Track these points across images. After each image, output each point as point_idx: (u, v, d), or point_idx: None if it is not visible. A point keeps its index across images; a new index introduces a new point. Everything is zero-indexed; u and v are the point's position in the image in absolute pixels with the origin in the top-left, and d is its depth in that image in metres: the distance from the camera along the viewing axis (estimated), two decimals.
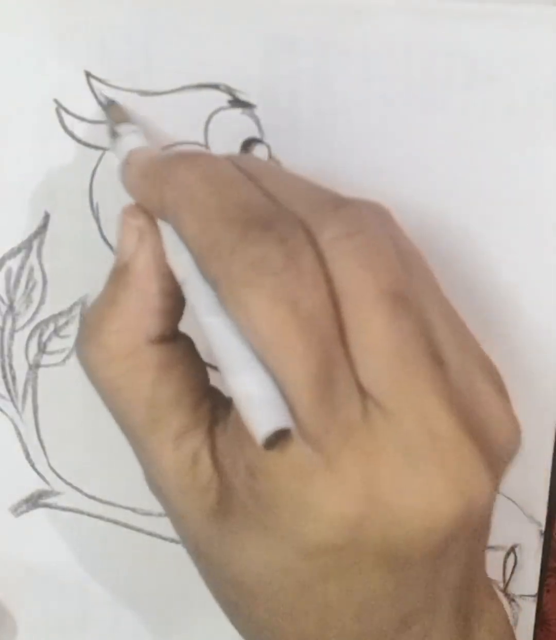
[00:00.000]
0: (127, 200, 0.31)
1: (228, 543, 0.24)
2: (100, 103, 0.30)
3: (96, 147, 0.31)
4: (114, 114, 0.30)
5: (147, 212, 0.26)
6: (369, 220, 0.23)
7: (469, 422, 0.22)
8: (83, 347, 0.25)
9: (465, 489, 0.22)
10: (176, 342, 0.26)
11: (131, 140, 0.29)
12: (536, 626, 0.37)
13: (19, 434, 0.33)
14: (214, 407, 0.25)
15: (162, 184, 0.25)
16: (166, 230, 0.25)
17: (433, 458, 0.22)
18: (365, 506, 0.22)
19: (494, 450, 0.23)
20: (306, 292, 0.22)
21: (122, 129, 0.29)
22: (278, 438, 0.21)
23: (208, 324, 0.23)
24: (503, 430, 0.23)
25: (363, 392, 0.22)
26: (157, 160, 0.26)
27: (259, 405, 0.22)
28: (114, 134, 0.29)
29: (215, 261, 0.23)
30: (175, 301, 0.25)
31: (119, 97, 0.31)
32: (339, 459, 0.21)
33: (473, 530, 0.23)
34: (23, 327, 0.32)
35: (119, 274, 0.25)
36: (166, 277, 0.25)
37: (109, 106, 0.30)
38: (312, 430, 0.21)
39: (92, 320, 0.25)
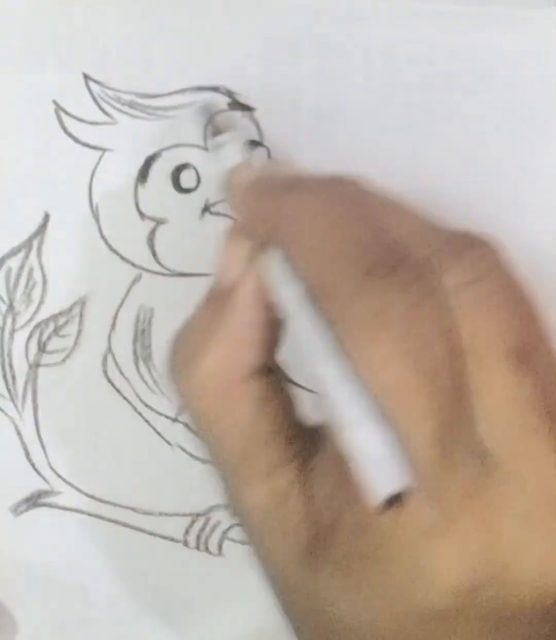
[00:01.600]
0: (127, 201, 0.31)
1: (319, 589, 0.23)
2: (201, 113, 0.30)
3: (96, 148, 0.31)
4: (216, 123, 0.29)
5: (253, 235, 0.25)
6: (496, 264, 0.22)
7: None
8: (176, 375, 0.24)
9: None
10: (272, 374, 0.25)
11: (232, 153, 0.28)
12: None
13: (19, 434, 0.33)
14: (307, 442, 0.24)
15: (276, 212, 0.24)
16: (275, 259, 0.24)
17: (553, 523, 0.21)
18: (482, 572, 0.21)
19: None
20: (429, 344, 0.21)
21: (221, 139, 0.28)
22: (395, 500, 0.21)
23: (320, 370, 0.22)
24: None
25: (483, 452, 0.21)
26: (270, 183, 0.25)
27: (376, 465, 0.21)
28: (214, 145, 0.29)
29: (333, 303, 0.22)
30: (275, 333, 0.24)
31: (119, 99, 0.31)
32: (459, 522, 0.21)
33: None
34: (23, 326, 0.32)
35: (218, 300, 0.24)
36: (269, 308, 0.24)
37: (211, 115, 0.30)
38: (433, 490, 0.21)
39: (186, 347, 0.24)
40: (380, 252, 0.22)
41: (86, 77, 0.31)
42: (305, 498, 0.23)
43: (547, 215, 0.31)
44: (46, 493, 0.33)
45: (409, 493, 0.21)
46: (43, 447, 0.33)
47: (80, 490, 0.33)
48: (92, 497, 0.33)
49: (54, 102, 0.31)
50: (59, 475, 0.33)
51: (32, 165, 0.31)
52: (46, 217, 0.31)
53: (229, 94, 0.31)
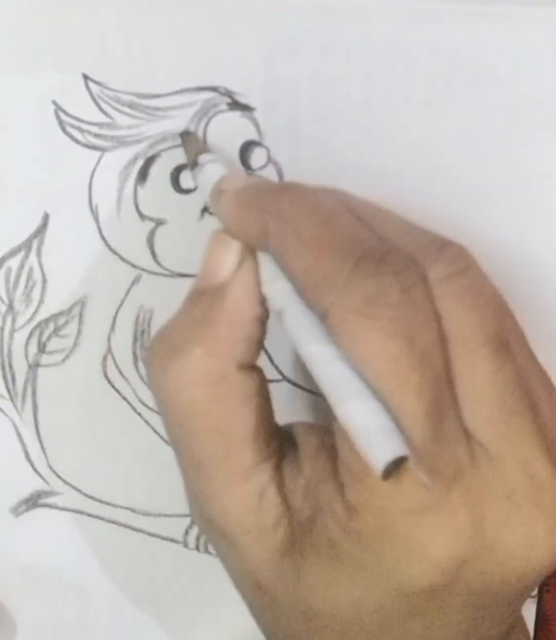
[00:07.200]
0: (127, 201, 0.31)
1: (305, 581, 0.23)
2: (179, 135, 0.31)
3: (95, 148, 0.31)
4: (192, 144, 0.30)
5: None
6: (473, 261, 0.23)
7: None
8: (159, 371, 0.24)
9: None
10: (256, 372, 0.25)
11: (214, 168, 0.28)
12: (536, 626, 0.36)
13: (18, 434, 0.33)
14: (282, 443, 0.25)
15: (265, 215, 0.24)
16: (264, 258, 0.25)
17: (533, 501, 0.22)
18: (470, 548, 0.22)
19: None
20: (420, 327, 0.22)
21: (202, 158, 0.29)
22: (393, 470, 0.21)
23: (314, 352, 0.23)
24: None
25: (468, 434, 0.22)
26: (257, 190, 0.26)
27: (376, 434, 0.21)
28: (193, 164, 0.29)
29: (326, 293, 0.23)
30: (260, 332, 0.25)
31: (119, 99, 0.31)
32: (449, 499, 0.22)
33: None
34: (23, 326, 0.32)
35: (205, 297, 0.25)
36: (256, 306, 0.25)
37: (186, 137, 0.30)
38: (426, 465, 0.21)
39: (170, 343, 0.24)
40: (369, 243, 0.23)
41: (86, 77, 0.31)
42: (281, 495, 0.24)
43: (547, 212, 0.31)
44: (46, 493, 0.33)
45: (405, 467, 0.21)
46: (43, 447, 0.33)
47: (79, 491, 0.33)
48: (91, 497, 0.33)
49: (54, 102, 0.31)
50: (58, 476, 0.33)
51: (31, 165, 0.31)
52: (46, 217, 0.32)
53: (229, 94, 0.31)
